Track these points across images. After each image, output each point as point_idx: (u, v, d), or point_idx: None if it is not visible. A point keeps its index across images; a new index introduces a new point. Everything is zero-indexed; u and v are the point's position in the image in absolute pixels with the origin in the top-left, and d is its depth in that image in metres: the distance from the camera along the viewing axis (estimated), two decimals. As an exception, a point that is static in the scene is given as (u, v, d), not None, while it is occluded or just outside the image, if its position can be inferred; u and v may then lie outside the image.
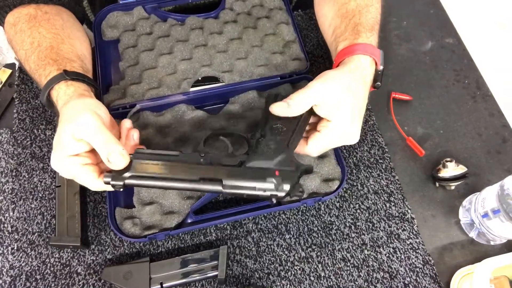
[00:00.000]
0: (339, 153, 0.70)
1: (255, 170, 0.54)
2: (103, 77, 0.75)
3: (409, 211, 0.70)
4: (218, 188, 0.53)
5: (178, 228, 0.65)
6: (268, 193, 0.53)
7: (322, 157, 0.70)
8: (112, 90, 0.74)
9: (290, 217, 0.69)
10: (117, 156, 0.51)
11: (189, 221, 0.65)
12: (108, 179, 0.52)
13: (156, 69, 0.76)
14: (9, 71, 0.83)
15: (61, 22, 0.70)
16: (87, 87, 0.62)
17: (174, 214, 0.65)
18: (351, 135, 0.59)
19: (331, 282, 0.64)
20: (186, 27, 0.80)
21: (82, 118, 0.52)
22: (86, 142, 0.52)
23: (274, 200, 0.54)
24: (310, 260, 0.66)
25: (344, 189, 0.71)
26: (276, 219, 0.69)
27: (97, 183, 0.54)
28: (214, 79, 0.76)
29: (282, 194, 0.53)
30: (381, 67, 0.62)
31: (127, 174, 0.52)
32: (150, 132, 0.71)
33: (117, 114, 0.70)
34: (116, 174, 0.52)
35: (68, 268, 0.65)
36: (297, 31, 0.81)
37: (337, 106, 0.57)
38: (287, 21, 0.82)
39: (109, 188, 0.54)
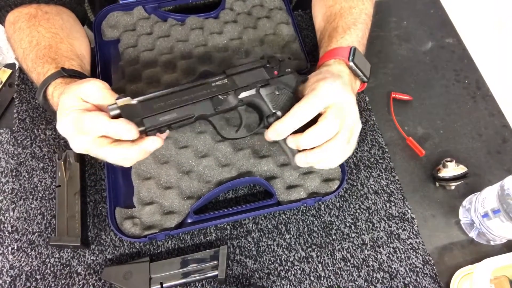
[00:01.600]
0: (339, 153, 0.70)
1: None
2: (103, 77, 0.75)
3: (409, 211, 0.70)
4: (221, 77, 0.57)
5: (178, 228, 0.65)
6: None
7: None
8: (112, 90, 0.74)
9: (290, 217, 0.69)
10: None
11: (189, 221, 0.65)
12: (114, 109, 0.50)
13: (156, 69, 0.76)
14: (9, 71, 0.83)
15: (61, 22, 0.70)
16: None
17: (174, 214, 0.65)
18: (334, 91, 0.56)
19: (331, 282, 0.64)
20: (186, 27, 0.80)
21: (90, 83, 0.52)
22: (91, 105, 0.52)
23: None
24: (310, 260, 0.66)
25: (344, 189, 0.71)
26: (276, 219, 0.69)
27: (108, 121, 0.49)
28: (214, 79, 0.76)
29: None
30: (350, 63, 0.62)
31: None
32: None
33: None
34: (121, 96, 0.52)
35: (68, 268, 0.65)
36: (297, 31, 0.81)
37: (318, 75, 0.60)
38: (287, 21, 0.82)
39: (123, 129, 0.49)
